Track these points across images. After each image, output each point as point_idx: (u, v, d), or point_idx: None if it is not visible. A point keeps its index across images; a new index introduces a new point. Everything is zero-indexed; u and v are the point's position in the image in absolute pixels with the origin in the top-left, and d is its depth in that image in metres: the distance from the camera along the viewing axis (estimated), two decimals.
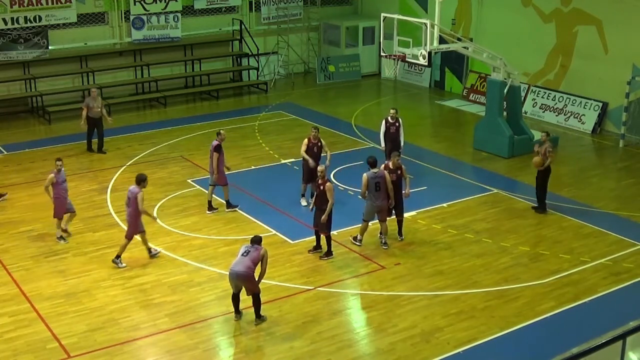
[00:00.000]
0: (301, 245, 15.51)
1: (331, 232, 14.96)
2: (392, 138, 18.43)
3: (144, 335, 12.31)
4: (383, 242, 15.35)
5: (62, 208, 15.68)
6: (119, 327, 12.50)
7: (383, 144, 18.57)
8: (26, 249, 15.32)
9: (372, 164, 15.04)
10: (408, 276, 14.28)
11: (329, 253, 14.93)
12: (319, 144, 17.09)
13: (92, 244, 15.55)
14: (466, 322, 12.67)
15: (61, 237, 15.72)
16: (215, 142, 16.70)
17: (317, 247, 15.16)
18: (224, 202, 17.14)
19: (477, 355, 11.83)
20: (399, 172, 15.37)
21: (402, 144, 18.46)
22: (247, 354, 11.86)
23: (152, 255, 14.95)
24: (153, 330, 12.41)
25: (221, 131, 17.07)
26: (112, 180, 18.97)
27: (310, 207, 15.16)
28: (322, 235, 14.96)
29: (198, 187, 18.50)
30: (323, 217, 14.49)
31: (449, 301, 13.38)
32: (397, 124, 18.43)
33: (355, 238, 15.45)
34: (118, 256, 14.58)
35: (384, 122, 18.62)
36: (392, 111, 18.64)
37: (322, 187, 14.55)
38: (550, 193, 18.09)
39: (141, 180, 14.50)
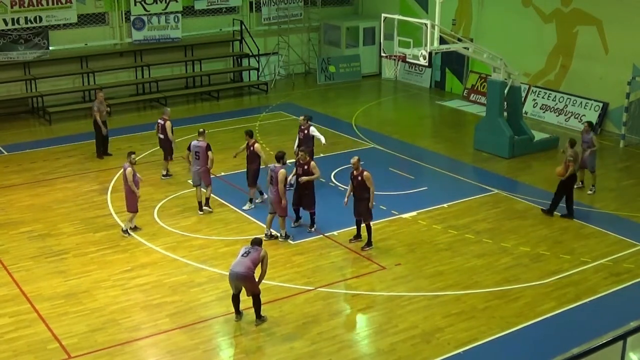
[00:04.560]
0: (302, 245, 15.51)
1: (371, 223, 15.31)
2: (300, 144, 18.16)
3: (145, 335, 12.31)
4: (274, 234, 15.66)
5: (136, 202, 15.75)
6: (119, 327, 12.50)
7: (294, 146, 18.34)
8: (26, 250, 15.32)
9: (277, 158, 15.61)
10: (409, 277, 14.28)
11: (369, 243, 15.18)
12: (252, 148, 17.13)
13: (93, 244, 15.55)
14: (467, 323, 12.67)
15: (127, 232, 15.85)
16: (205, 142, 16.83)
17: (358, 236, 15.48)
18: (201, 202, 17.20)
19: (477, 356, 11.83)
20: (305, 167, 15.69)
21: (323, 142, 18.27)
22: (248, 355, 11.85)
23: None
24: (153, 331, 12.41)
25: (206, 131, 17.36)
26: (113, 181, 18.97)
27: (346, 200, 15.33)
28: (362, 225, 15.27)
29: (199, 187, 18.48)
30: (371, 204, 14.85)
31: (450, 301, 13.38)
32: (305, 131, 18.20)
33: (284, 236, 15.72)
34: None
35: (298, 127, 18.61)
36: (300, 118, 18.55)
37: (360, 178, 14.84)
38: (550, 193, 18.08)
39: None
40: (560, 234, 16.15)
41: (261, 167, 17.01)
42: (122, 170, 16.00)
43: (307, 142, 18.15)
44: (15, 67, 25.11)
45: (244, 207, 17.18)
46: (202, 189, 16.97)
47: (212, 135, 20.63)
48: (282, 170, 15.20)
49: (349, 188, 15.33)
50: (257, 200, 17.38)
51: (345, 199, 15.36)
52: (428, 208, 17.40)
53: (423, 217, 16.91)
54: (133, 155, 15.92)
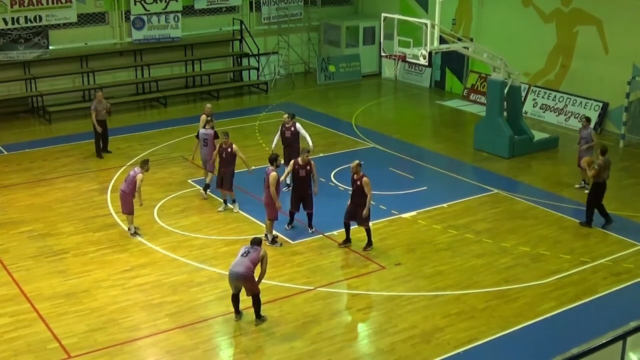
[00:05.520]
0: (301, 245, 15.51)
1: (371, 224, 15.25)
2: (287, 143, 18.02)
3: (144, 335, 12.31)
4: (267, 239, 15.37)
5: (132, 205, 15.69)
6: (119, 327, 12.50)
7: (273, 145, 18.15)
8: (26, 249, 15.31)
9: (270, 160, 15.33)
10: (408, 276, 14.27)
11: (369, 244, 15.14)
12: (229, 149, 16.87)
13: (93, 244, 15.55)
14: (466, 323, 12.66)
15: (136, 233, 15.83)
16: (212, 130, 17.76)
17: (347, 240, 15.32)
18: (205, 188, 17.95)
19: (477, 356, 11.83)
20: (308, 167, 15.58)
21: (310, 145, 17.95)
22: (248, 354, 11.85)
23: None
24: (153, 331, 12.41)
25: (213, 119, 18.28)
26: (112, 181, 18.96)
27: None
28: (351, 229, 15.21)
29: (198, 187, 18.49)
30: (365, 211, 14.69)
31: (449, 301, 13.38)
32: (292, 129, 18.10)
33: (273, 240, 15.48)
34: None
35: (280, 126, 18.40)
36: (284, 116, 18.43)
37: (359, 183, 14.71)
38: (550, 193, 18.15)
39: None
40: (560, 233, 16.15)
41: (249, 170, 17.16)
42: (129, 172, 15.84)
43: (295, 140, 18.05)
44: (15, 67, 25.09)
45: (234, 210, 17.08)
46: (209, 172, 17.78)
47: None
48: (274, 174, 14.99)
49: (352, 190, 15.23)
50: (219, 209, 17.22)
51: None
52: (428, 208, 17.39)
53: (423, 217, 16.91)
54: (150, 164, 15.94)
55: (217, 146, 17.02)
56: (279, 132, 18.31)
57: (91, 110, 20.56)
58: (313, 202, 15.85)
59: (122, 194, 15.76)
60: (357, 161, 15.05)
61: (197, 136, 18.05)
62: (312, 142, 18.49)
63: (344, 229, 15.42)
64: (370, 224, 15.28)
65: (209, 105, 19.51)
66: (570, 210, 17.34)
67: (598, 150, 16.51)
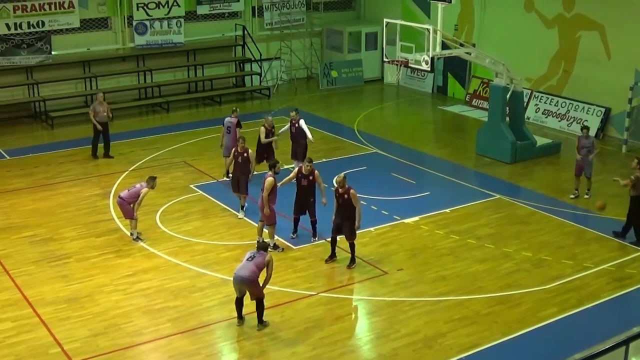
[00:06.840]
0: (304, 250, 15.51)
1: (373, 229, 15.42)
2: (293, 138, 19.24)
3: (147, 340, 12.31)
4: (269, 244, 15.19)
5: (132, 212, 15.67)
6: (121, 332, 12.50)
7: (279, 131, 19.48)
8: (29, 254, 15.32)
9: (270, 166, 15.49)
10: (411, 282, 14.26)
11: (353, 260, 14.80)
12: (245, 154, 16.87)
13: (95, 249, 15.56)
14: (469, 328, 12.65)
15: (138, 238, 15.85)
16: (236, 119, 18.95)
17: (333, 255, 15.04)
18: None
19: None
20: (310, 177, 15.50)
21: (310, 138, 19.01)
22: (250, 359, 11.87)
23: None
24: (155, 336, 12.41)
25: (238, 109, 19.65)
26: (115, 185, 18.97)
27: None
28: (337, 244, 14.94)
29: (201, 192, 18.52)
30: (357, 223, 14.42)
31: (452, 307, 13.37)
32: (296, 125, 18.97)
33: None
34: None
35: (289, 121, 19.50)
36: (291, 113, 19.34)
37: (346, 196, 14.40)
38: (552, 199, 18.14)
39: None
40: (562, 239, 16.14)
41: (251, 174, 17.03)
42: (135, 184, 15.96)
43: (300, 136, 18.93)
44: (17, 72, 25.12)
45: (239, 216, 17.10)
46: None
47: (215, 140, 20.65)
48: (270, 179, 14.91)
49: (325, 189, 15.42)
50: (240, 216, 17.19)
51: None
52: (430, 213, 17.39)
53: (425, 222, 16.91)
54: (157, 181, 15.98)
55: (233, 151, 17.04)
56: (288, 126, 19.30)
57: (90, 109, 20.71)
58: (315, 211, 15.79)
59: (119, 201, 15.80)
60: (342, 174, 14.66)
61: (223, 123, 19.21)
62: (312, 136, 19.16)
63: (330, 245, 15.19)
64: (372, 228, 15.29)
65: (269, 117, 19.57)
66: (573, 215, 17.33)
67: (634, 162, 15.92)
